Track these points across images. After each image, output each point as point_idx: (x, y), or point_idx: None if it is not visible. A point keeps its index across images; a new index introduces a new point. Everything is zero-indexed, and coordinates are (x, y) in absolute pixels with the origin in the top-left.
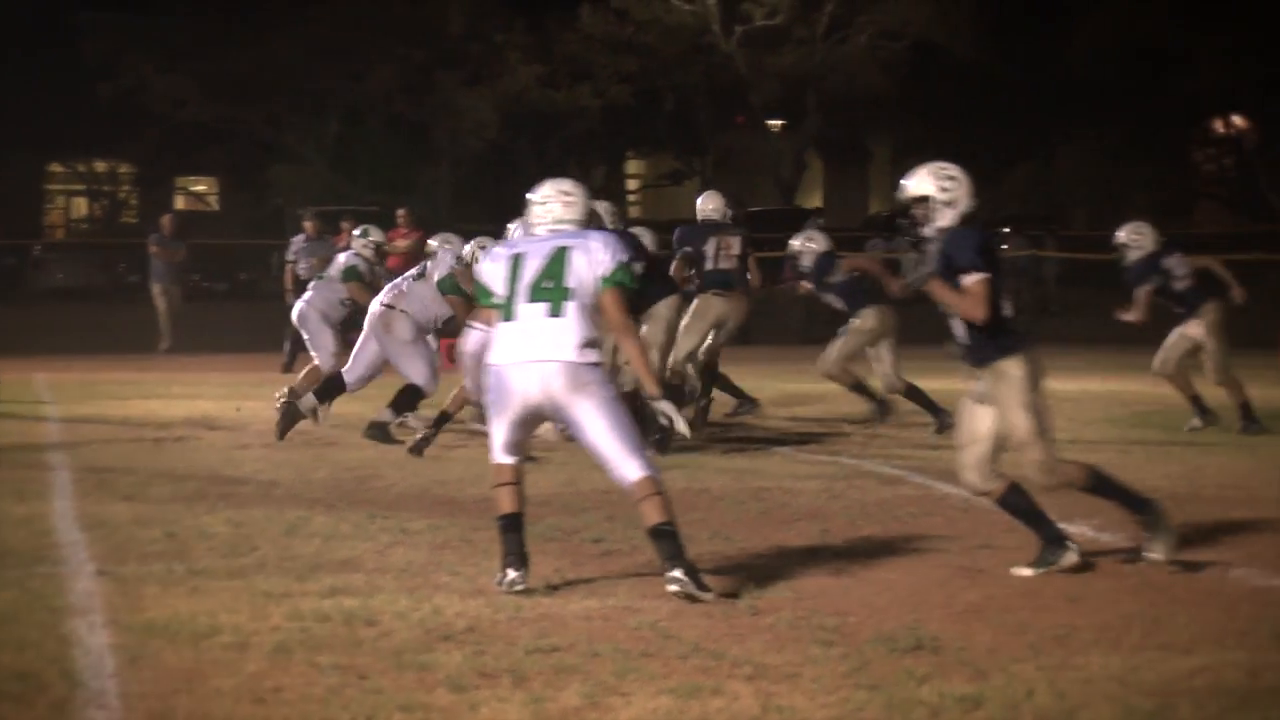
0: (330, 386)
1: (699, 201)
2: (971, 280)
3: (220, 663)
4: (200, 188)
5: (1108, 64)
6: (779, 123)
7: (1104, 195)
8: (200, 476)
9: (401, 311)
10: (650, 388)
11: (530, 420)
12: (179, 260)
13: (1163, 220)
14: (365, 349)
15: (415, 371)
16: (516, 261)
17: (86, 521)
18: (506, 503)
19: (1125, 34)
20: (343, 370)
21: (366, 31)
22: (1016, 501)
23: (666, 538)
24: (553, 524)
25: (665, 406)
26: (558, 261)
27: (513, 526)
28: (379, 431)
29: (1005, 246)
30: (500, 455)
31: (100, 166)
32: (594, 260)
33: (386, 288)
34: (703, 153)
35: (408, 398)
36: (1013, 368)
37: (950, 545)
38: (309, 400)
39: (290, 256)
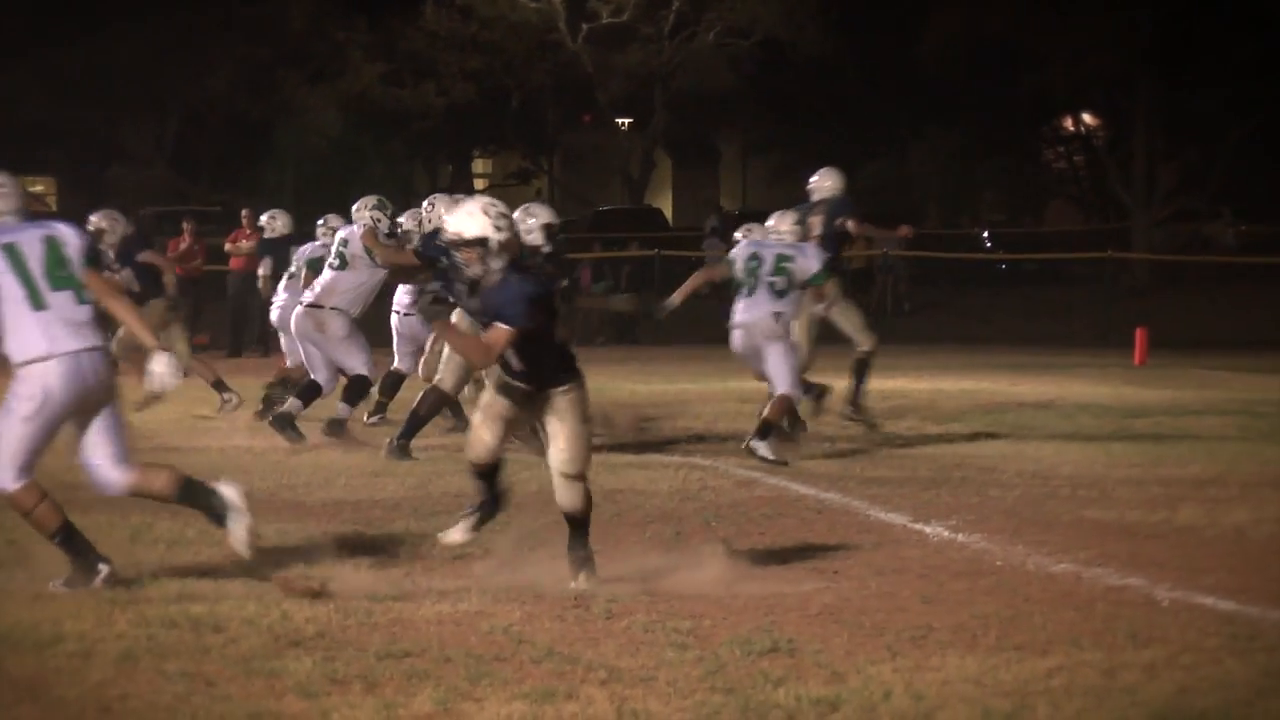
0: (308, 392)
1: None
2: (498, 331)
3: (65, 671)
4: (38, 188)
5: (957, 60)
6: (627, 121)
7: (956, 193)
8: (42, 482)
9: (331, 309)
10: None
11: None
12: None
13: (1016, 217)
14: (308, 352)
15: (357, 363)
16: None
17: None
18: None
19: (975, 30)
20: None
21: (207, 29)
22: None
23: None
24: (403, 528)
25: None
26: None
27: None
28: (337, 427)
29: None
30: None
31: None
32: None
33: (307, 288)
34: (550, 151)
35: (356, 390)
36: (569, 399)
37: (805, 547)
38: (294, 404)
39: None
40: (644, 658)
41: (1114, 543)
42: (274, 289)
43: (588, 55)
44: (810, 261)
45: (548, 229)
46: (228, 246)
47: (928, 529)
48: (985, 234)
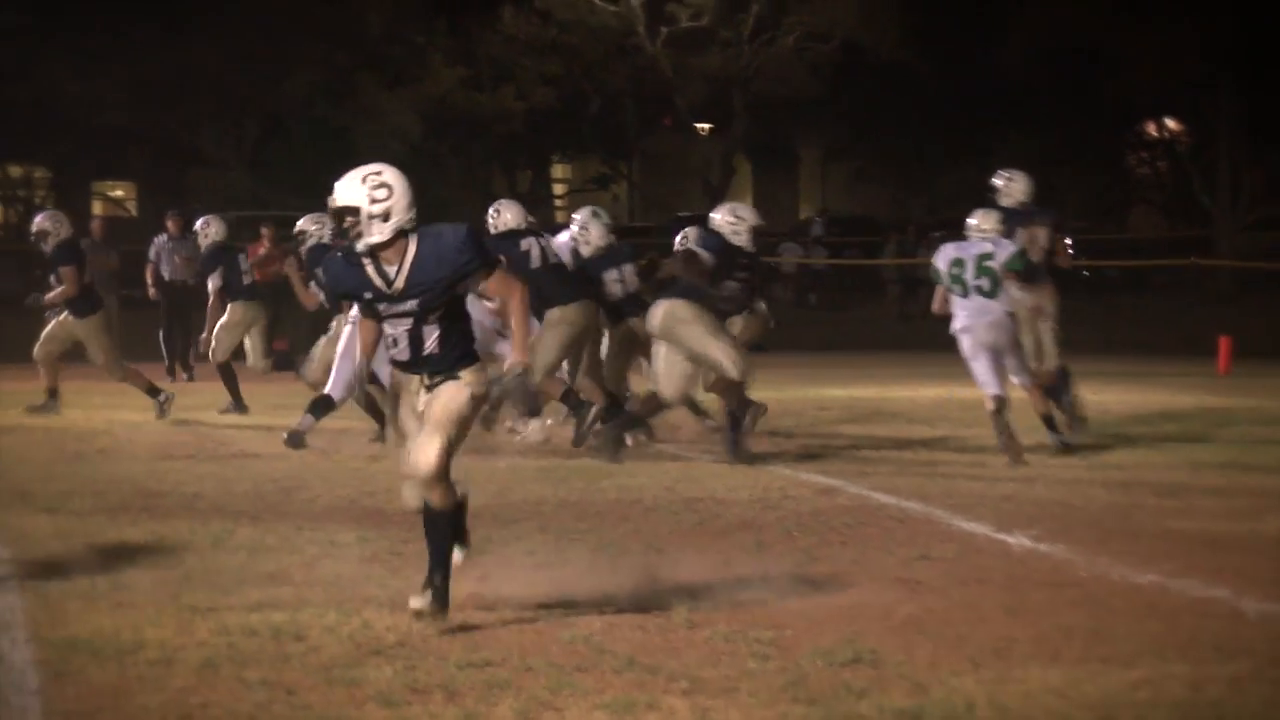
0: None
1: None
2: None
3: (146, 679)
4: (118, 193)
5: (1040, 66)
6: (706, 126)
7: (1038, 199)
8: (122, 489)
9: None
10: None
11: None
12: (111, 268)
13: (1099, 224)
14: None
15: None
16: None
17: (7, 535)
18: None
19: (1056, 35)
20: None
21: (285, 34)
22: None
23: None
24: (484, 535)
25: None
26: None
27: None
28: (296, 438)
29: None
30: None
31: (15, 171)
32: None
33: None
34: (629, 156)
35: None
36: (467, 386)
37: (887, 556)
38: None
39: (152, 256)
40: (726, 668)
41: (1199, 554)
42: (223, 305)
43: (667, 59)
44: (1004, 250)
45: (754, 231)
46: None
47: (1010, 539)
48: (1068, 241)
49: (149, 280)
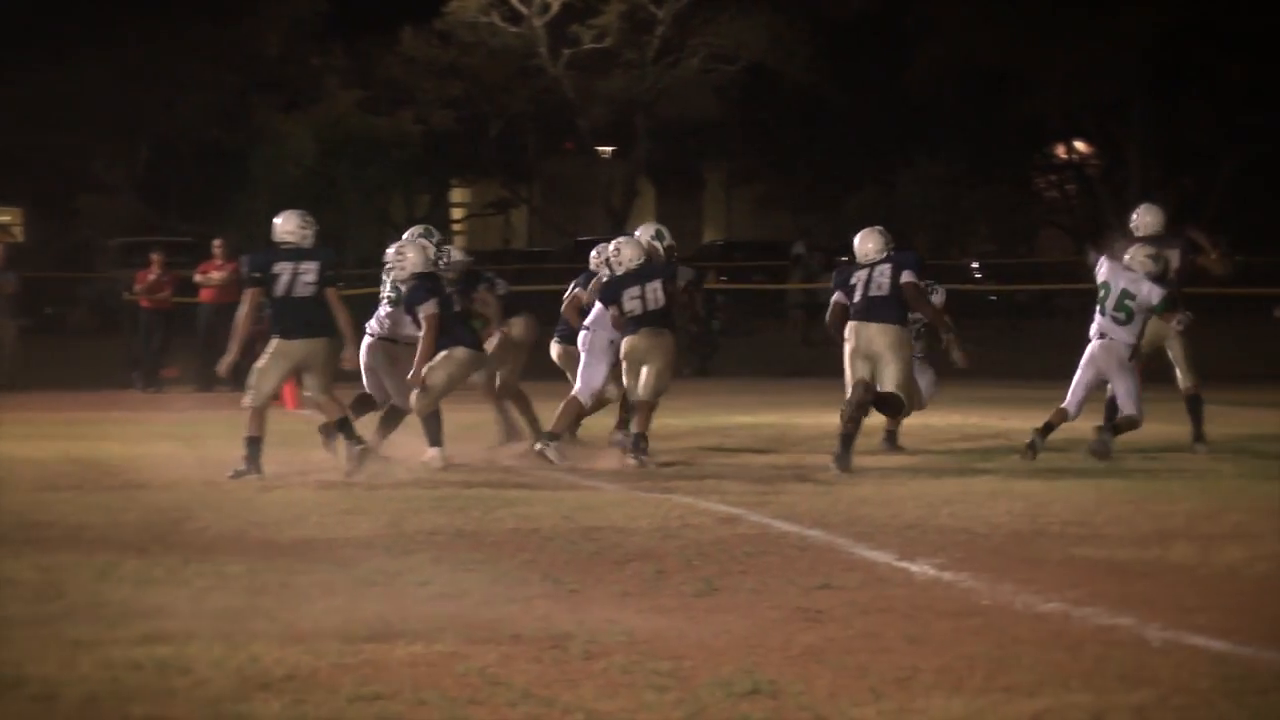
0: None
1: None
2: None
3: (26, 715)
4: (6, 218)
5: (948, 88)
6: (609, 149)
7: (945, 223)
8: (5, 520)
9: (405, 344)
10: None
11: None
12: (9, 293)
13: (1007, 247)
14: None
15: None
16: None
17: None
18: None
19: (965, 57)
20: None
21: (176, 56)
22: None
23: None
24: (377, 566)
25: None
26: None
27: None
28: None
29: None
30: None
31: None
32: None
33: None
34: (529, 180)
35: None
36: None
37: (788, 585)
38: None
39: None
40: (623, 700)
41: (1104, 581)
42: None
43: (569, 82)
44: (1150, 295)
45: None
46: (197, 278)
47: (913, 567)
48: (975, 265)
49: None
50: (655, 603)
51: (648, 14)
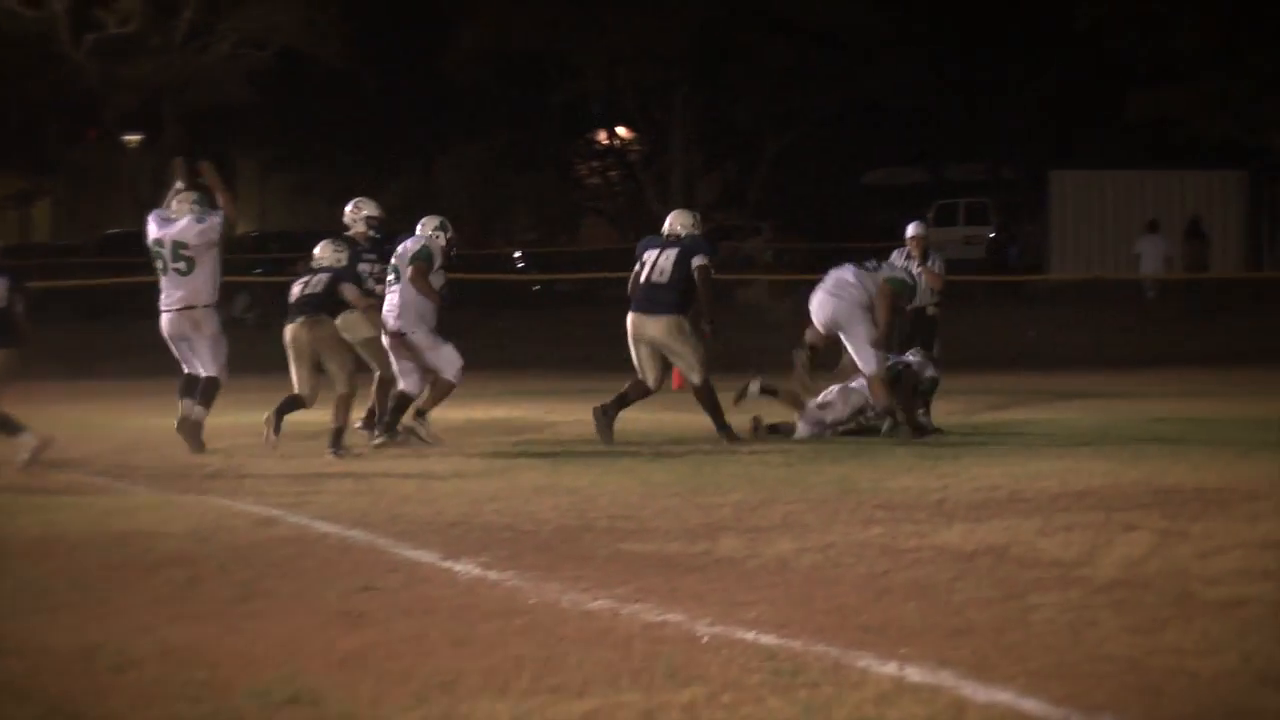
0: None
1: None
2: None
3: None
4: None
5: (487, 71)
6: (136, 137)
7: (485, 211)
8: None
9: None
10: None
11: None
12: None
13: (549, 236)
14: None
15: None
16: None
17: None
18: None
19: (504, 40)
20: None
21: None
22: None
23: None
24: None
25: None
26: None
27: None
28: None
29: None
30: None
31: None
32: None
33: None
34: (52, 171)
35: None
36: None
37: (328, 589)
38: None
39: None
40: (155, 712)
41: (653, 577)
42: None
43: (93, 67)
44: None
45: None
46: None
47: (458, 567)
48: (518, 254)
49: None
50: (189, 610)
51: None
